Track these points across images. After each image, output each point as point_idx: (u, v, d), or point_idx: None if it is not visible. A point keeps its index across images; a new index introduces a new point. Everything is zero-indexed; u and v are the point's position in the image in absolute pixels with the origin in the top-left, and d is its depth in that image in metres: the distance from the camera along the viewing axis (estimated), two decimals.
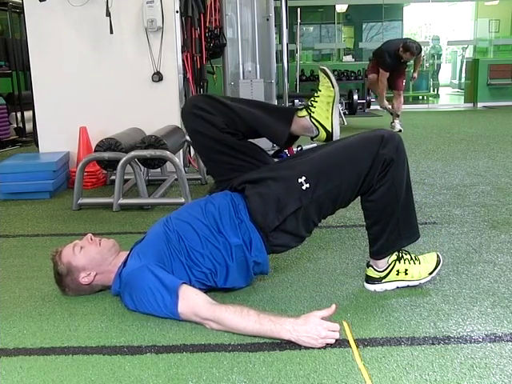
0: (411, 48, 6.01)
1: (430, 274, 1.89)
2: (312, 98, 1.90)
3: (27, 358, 1.47)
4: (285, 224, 1.75)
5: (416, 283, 1.88)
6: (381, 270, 1.87)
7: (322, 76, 1.89)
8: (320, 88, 1.89)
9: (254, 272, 1.83)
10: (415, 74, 6.91)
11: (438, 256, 1.93)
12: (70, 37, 3.93)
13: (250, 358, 1.43)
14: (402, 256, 1.88)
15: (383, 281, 1.87)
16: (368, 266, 1.91)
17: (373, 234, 1.85)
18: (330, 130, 1.87)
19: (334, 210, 1.83)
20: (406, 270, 1.87)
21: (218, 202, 1.83)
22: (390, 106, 6.65)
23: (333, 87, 1.86)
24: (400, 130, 6.20)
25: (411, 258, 1.89)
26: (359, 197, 1.83)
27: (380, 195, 1.76)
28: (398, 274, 1.87)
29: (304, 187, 1.73)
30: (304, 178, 1.74)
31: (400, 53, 6.16)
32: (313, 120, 1.86)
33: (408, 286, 1.89)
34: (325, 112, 1.87)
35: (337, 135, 1.89)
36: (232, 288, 1.83)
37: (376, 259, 1.87)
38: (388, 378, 1.33)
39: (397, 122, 6.56)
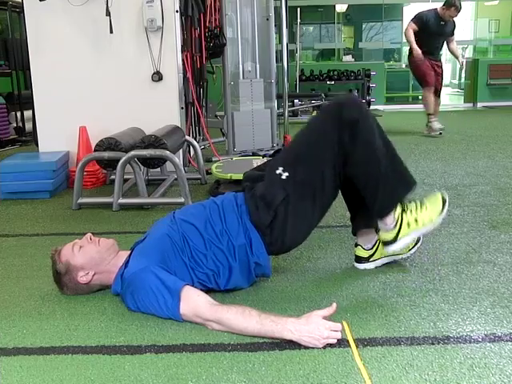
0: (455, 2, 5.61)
1: (440, 214, 1.89)
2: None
3: (27, 358, 1.47)
4: (277, 218, 1.75)
5: (429, 229, 1.91)
6: (391, 227, 1.87)
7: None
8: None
9: (256, 274, 1.84)
10: (461, 60, 6.35)
11: (442, 195, 1.93)
12: (70, 36, 3.93)
13: (250, 358, 1.43)
14: (407, 206, 1.89)
15: (399, 238, 1.89)
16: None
17: (368, 195, 1.84)
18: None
19: (330, 191, 1.81)
20: (416, 218, 1.87)
21: (221, 203, 1.84)
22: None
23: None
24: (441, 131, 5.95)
25: (417, 206, 1.90)
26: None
27: (358, 157, 1.75)
28: (409, 226, 1.87)
29: (284, 176, 1.75)
30: (281, 168, 1.77)
31: (442, 12, 5.73)
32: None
33: (425, 232, 1.93)
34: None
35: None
36: (234, 288, 1.83)
37: (382, 217, 1.86)
38: (388, 378, 1.33)
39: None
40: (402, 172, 1.86)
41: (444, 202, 1.90)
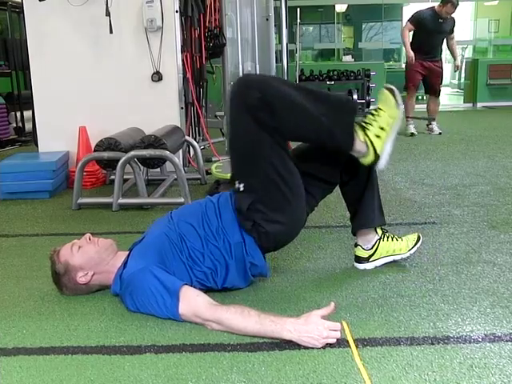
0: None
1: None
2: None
3: (26, 358, 1.47)
4: (256, 221, 1.75)
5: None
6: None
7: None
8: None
9: (252, 274, 1.84)
10: (458, 62, 6.35)
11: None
12: (70, 36, 3.93)
13: (250, 358, 1.43)
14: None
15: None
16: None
17: (329, 144, 1.80)
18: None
19: (289, 168, 1.76)
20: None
21: (217, 201, 1.85)
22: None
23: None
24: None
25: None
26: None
27: (286, 124, 1.69)
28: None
29: (242, 188, 1.76)
30: (237, 181, 1.78)
31: (439, 9, 5.71)
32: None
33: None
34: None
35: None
36: (231, 288, 1.83)
37: (352, 149, 1.79)
38: (387, 378, 1.33)
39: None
40: (333, 102, 1.77)
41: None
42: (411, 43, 6.00)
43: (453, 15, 5.88)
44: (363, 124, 1.80)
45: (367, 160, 1.81)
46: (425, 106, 6.43)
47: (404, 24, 6.19)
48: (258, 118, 1.65)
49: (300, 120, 1.71)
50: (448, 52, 6.49)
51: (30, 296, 1.90)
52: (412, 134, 5.98)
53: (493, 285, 1.89)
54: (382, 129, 1.79)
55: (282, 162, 1.74)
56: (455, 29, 6.01)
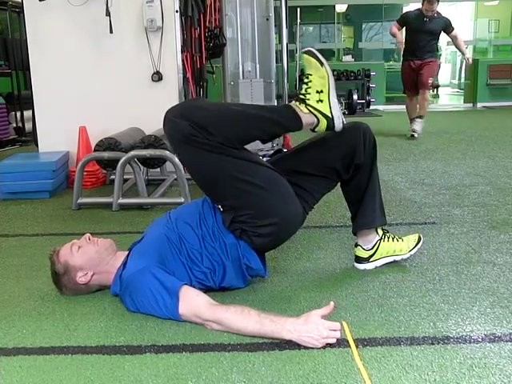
0: None
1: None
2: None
3: (26, 358, 1.47)
4: (242, 231, 1.76)
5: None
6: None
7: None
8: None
9: (249, 274, 1.84)
10: (468, 56, 6.32)
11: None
12: (70, 36, 3.93)
13: (250, 358, 1.43)
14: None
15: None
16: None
17: (267, 137, 1.80)
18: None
19: (259, 171, 1.75)
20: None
21: (212, 202, 1.85)
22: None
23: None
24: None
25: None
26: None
27: (226, 134, 1.66)
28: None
29: (221, 208, 1.78)
30: (216, 203, 1.80)
31: (422, 8, 5.73)
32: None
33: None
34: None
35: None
36: (230, 287, 1.83)
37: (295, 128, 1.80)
38: (387, 378, 1.33)
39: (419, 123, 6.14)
40: (262, 106, 1.82)
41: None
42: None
43: (444, 15, 5.89)
44: (301, 97, 1.77)
45: (322, 127, 1.77)
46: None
47: None
48: (198, 144, 1.63)
49: (239, 125, 1.70)
50: (448, 52, 6.49)
51: (29, 296, 1.90)
52: (412, 136, 5.93)
53: (493, 285, 1.89)
54: (319, 92, 1.75)
55: (244, 170, 1.71)
56: (454, 26, 5.98)
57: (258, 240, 1.77)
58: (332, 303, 1.54)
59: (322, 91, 1.75)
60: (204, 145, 1.63)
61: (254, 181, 1.71)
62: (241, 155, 1.71)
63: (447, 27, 5.91)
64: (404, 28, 6.07)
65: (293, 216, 1.82)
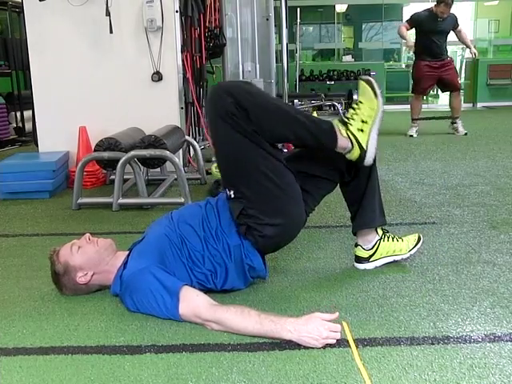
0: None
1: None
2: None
3: (26, 358, 1.47)
4: (249, 226, 1.75)
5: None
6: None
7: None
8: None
9: (251, 275, 1.84)
10: (473, 50, 6.26)
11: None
12: (70, 36, 3.93)
13: (250, 358, 1.43)
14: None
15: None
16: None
17: (310, 142, 1.79)
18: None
19: (278, 169, 1.74)
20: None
21: (216, 203, 1.85)
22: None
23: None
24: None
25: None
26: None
27: (264, 126, 1.68)
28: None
29: (232, 195, 1.76)
30: (227, 189, 1.78)
31: (435, 10, 5.70)
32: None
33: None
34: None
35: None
36: (231, 289, 1.83)
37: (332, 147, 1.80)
38: (387, 378, 1.33)
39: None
40: (312, 120, 1.79)
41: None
42: (415, 47, 5.99)
43: (452, 12, 5.88)
44: (345, 119, 1.79)
45: (353, 155, 1.79)
46: (425, 105, 6.42)
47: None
48: (235, 124, 1.65)
49: (276, 120, 1.70)
50: (449, 51, 6.47)
51: (30, 296, 1.90)
52: (411, 136, 5.98)
53: (493, 285, 1.89)
54: (364, 122, 1.78)
55: (270, 166, 1.72)
56: (459, 22, 5.99)
57: (262, 241, 1.77)
58: (337, 313, 1.54)
59: (366, 122, 1.78)
60: (240, 127, 1.65)
61: (276, 180, 1.73)
62: (273, 152, 1.73)
63: (455, 24, 5.94)
64: (413, 29, 6.00)
65: (298, 219, 1.84)
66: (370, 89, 1.78)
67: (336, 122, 1.78)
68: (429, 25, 5.82)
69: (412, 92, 6.34)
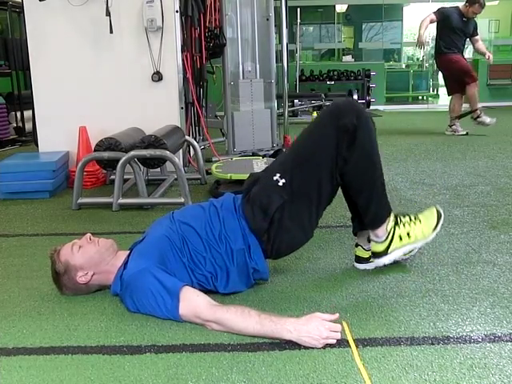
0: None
1: (434, 229, 1.94)
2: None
3: (26, 358, 1.47)
4: (273, 224, 1.75)
5: (422, 243, 1.95)
6: (382, 238, 1.90)
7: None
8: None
9: (254, 278, 1.84)
10: (489, 54, 6.20)
11: (437, 209, 1.98)
12: (70, 36, 3.93)
13: (250, 358, 1.43)
14: (401, 220, 1.92)
15: (390, 251, 1.91)
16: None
17: (362, 204, 1.86)
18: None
19: (326, 196, 1.80)
20: (408, 232, 1.89)
21: (221, 206, 1.84)
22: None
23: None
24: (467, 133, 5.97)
25: (410, 219, 1.93)
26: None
27: (354, 163, 1.76)
28: (401, 240, 1.90)
29: (281, 183, 1.75)
30: (278, 174, 1.77)
31: (465, 10, 5.67)
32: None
33: (414, 249, 1.96)
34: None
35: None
36: (233, 293, 1.82)
37: (374, 229, 1.88)
38: (387, 378, 1.33)
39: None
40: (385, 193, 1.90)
41: (439, 216, 1.95)
42: (437, 42, 5.93)
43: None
44: (400, 219, 1.88)
45: (376, 248, 1.90)
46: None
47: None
48: (339, 141, 1.71)
49: (367, 171, 1.79)
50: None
51: (30, 296, 1.90)
52: (467, 134, 5.93)
53: (493, 285, 1.89)
54: (408, 236, 1.87)
55: (327, 187, 1.78)
56: (478, 30, 5.99)
57: (272, 243, 1.79)
58: (337, 314, 1.54)
59: (410, 237, 1.88)
60: (340, 142, 1.71)
61: (320, 200, 1.79)
62: (335, 179, 1.78)
63: (474, 30, 5.93)
64: (435, 24, 5.94)
65: (307, 237, 1.88)
66: (435, 220, 1.90)
67: (393, 215, 1.88)
68: (456, 22, 5.79)
69: (467, 83, 5.85)
